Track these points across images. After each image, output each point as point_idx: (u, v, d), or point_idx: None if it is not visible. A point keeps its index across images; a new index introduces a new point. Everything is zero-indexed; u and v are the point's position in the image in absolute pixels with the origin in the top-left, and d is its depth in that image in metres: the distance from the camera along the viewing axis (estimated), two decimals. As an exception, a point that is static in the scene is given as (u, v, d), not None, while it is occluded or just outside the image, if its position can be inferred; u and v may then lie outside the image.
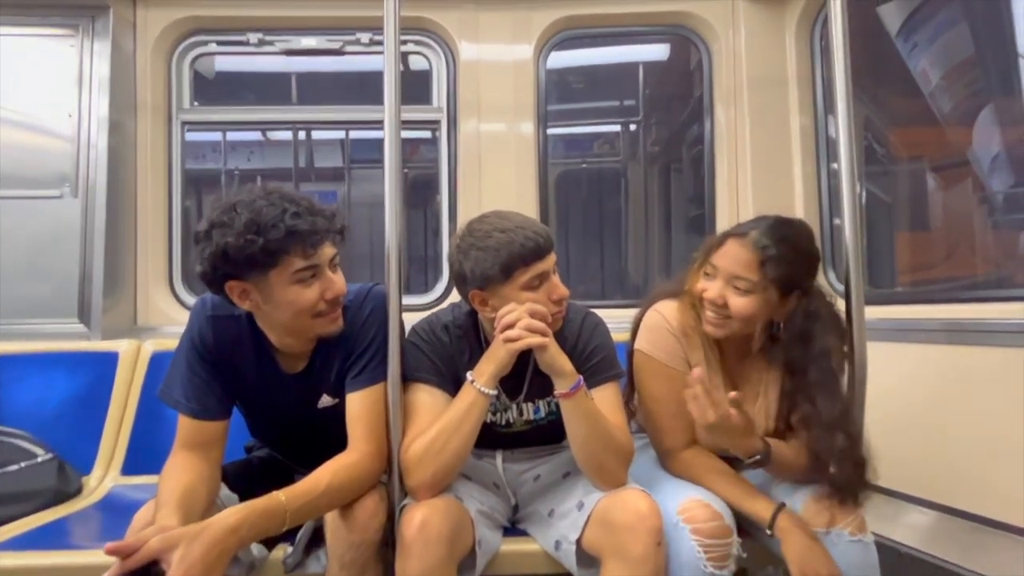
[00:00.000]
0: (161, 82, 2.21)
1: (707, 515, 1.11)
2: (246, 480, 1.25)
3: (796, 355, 1.20)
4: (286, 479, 1.17)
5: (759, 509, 1.16)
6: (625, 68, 2.61)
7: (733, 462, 1.26)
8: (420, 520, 1.08)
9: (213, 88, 2.41)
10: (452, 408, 1.16)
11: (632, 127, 2.66)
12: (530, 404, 1.30)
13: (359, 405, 1.18)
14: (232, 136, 2.51)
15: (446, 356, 1.24)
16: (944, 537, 1.44)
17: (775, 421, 1.28)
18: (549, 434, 1.32)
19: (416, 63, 2.34)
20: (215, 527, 0.96)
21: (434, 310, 1.33)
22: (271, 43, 2.24)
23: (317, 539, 1.18)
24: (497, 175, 2.20)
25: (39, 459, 1.60)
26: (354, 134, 2.54)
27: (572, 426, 1.17)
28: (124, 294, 2.11)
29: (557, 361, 1.15)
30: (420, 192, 2.67)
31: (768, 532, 1.14)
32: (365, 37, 2.24)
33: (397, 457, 1.18)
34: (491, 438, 1.30)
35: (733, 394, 1.12)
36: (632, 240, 2.69)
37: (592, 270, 2.62)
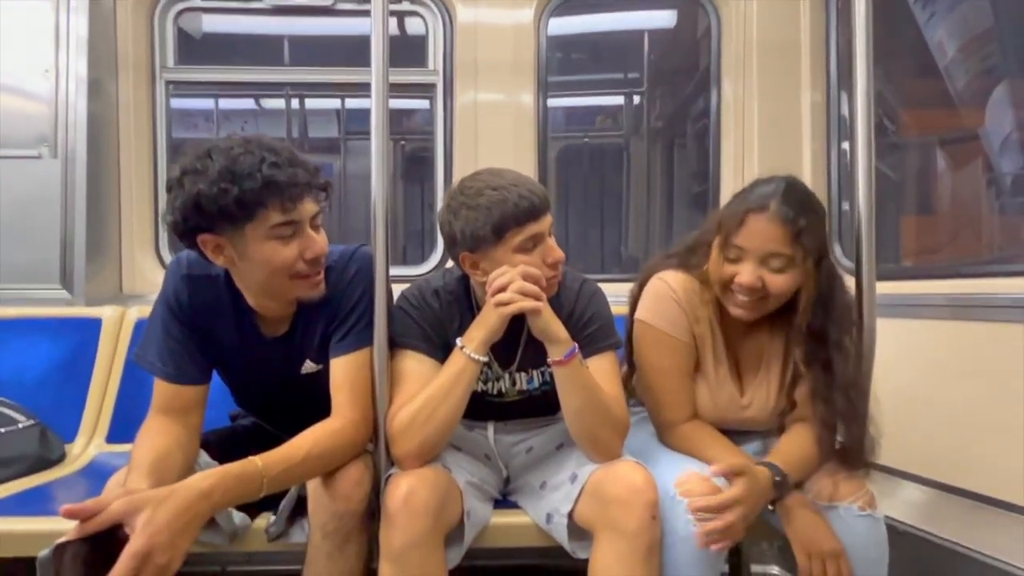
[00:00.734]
0: (143, 38, 2.12)
1: (705, 489, 1.06)
2: (229, 449, 1.19)
3: (816, 318, 1.15)
4: (272, 448, 1.11)
5: None
6: (629, 37, 2.52)
7: (733, 435, 1.22)
8: (406, 490, 1.04)
9: (201, 50, 2.32)
10: (441, 375, 1.12)
11: (635, 99, 2.58)
12: (523, 374, 1.25)
13: (343, 370, 1.13)
14: (225, 105, 2.42)
15: (436, 322, 1.19)
16: (944, 515, 1.41)
17: (777, 396, 1.22)
18: (542, 405, 1.27)
19: (412, 27, 2.26)
20: (184, 491, 0.89)
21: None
22: (257, -1, 2.15)
23: (301, 508, 1.13)
24: (495, 146, 2.12)
25: (20, 425, 1.56)
26: (350, 104, 2.45)
27: (566, 396, 1.13)
28: (109, 260, 2.05)
29: (551, 327, 1.10)
30: (416, 166, 2.60)
31: (769, 507, 1.10)
32: (357, -6, 2.14)
33: (383, 425, 1.13)
34: (483, 408, 1.26)
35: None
36: (633, 217, 2.62)
37: (592, 247, 2.56)
